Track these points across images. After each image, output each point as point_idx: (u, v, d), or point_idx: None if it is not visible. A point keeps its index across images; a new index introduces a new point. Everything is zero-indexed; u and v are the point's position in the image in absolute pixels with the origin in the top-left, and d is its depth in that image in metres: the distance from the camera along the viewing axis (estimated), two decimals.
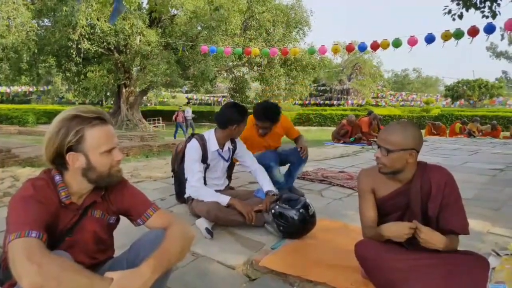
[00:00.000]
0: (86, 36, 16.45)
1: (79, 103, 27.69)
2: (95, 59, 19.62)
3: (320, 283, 1.79)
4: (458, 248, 1.61)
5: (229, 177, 3.04)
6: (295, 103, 36.39)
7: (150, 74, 18.11)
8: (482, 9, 6.43)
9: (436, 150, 8.03)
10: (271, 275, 1.89)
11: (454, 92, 37.74)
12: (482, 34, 8.00)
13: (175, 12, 19.51)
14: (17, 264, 0.97)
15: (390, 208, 1.73)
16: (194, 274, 1.88)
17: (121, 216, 1.43)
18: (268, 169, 3.05)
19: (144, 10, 19.19)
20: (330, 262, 1.99)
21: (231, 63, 22.80)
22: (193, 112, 19.05)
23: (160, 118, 24.53)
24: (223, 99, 37.86)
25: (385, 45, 9.91)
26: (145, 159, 7.08)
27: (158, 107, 36.79)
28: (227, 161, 2.85)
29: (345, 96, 42.69)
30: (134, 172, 4.62)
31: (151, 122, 23.11)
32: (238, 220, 2.45)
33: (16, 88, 29.91)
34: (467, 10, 6.48)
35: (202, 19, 17.91)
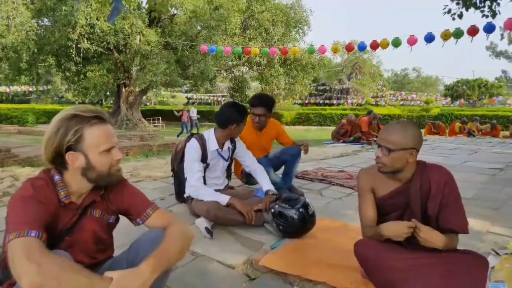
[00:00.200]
0: (86, 36, 16.44)
1: (79, 103, 27.68)
2: (95, 59, 19.60)
3: (319, 282, 1.79)
4: (458, 247, 1.61)
5: (228, 176, 3.05)
6: (294, 103, 36.38)
7: (150, 73, 18.09)
8: (482, 9, 6.42)
9: (435, 150, 8.03)
10: (270, 275, 1.89)
11: (453, 92, 37.73)
12: (481, 33, 8.01)
13: (175, 12, 19.50)
14: (16, 263, 0.97)
15: (389, 208, 1.73)
16: (194, 274, 1.88)
17: (120, 216, 1.43)
18: None
19: (144, 10, 19.17)
20: (329, 262, 1.99)
21: (230, 63, 22.79)
22: None
23: (160, 118, 24.53)
24: (223, 98, 37.86)
25: (384, 45, 9.90)
26: (145, 159, 7.08)
27: (158, 107, 36.79)
28: (226, 160, 2.85)
29: (344, 96, 42.67)
30: (134, 171, 4.63)
31: (151, 121, 23.10)
32: (237, 220, 2.45)
33: (16, 88, 29.87)
34: (467, 10, 6.48)
35: (201, 18, 17.90)
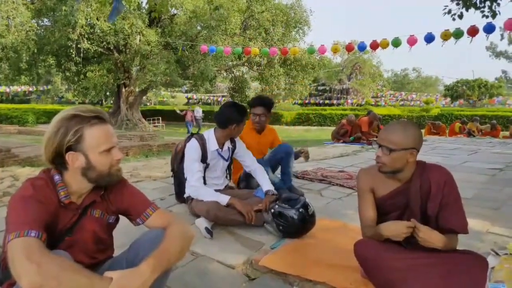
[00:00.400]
0: (86, 36, 16.44)
1: (79, 103, 27.70)
2: (95, 59, 19.60)
3: (319, 282, 1.79)
4: (457, 248, 1.61)
5: (228, 176, 3.05)
6: (294, 103, 36.39)
7: (150, 73, 18.09)
8: (482, 9, 6.42)
9: (435, 150, 8.03)
10: (270, 275, 1.89)
11: (453, 92, 37.72)
12: (481, 33, 8.01)
13: (175, 12, 19.50)
14: (16, 263, 0.97)
15: (389, 207, 1.73)
16: (194, 274, 1.88)
17: (120, 216, 1.43)
18: None
19: (144, 10, 19.17)
20: (329, 262, 1.99)
21: (230, 63, 22.78)
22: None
23: (160, 118, 24.54)
24: (223, 98, 37.86)
25: (384, 45, 9.90)
26: (145, 159, 7.08)
27: (158, 107, 36.79)
28: (226, 160, 2.85)
29: (344, 96, 42.69)
30: (134, 171, 4.63)
31: (151, 121, 23.11)
32: (237, 220, 2.45)
33: (16, 88, 29.90)
34: (467, 10, 6.48)
35: (201, 18, 17.90)
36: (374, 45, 10.19)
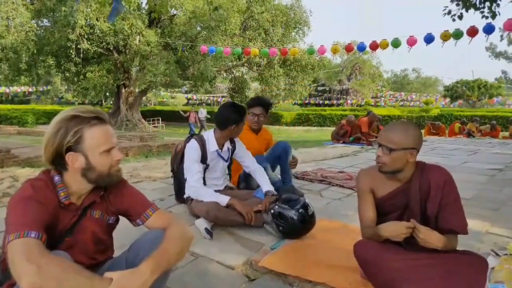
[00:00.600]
0: (85, 36, 16.46)
1: (79, 103, 27.71)
2: (95, 59, 19.62)
3: (319, 283, 1.79)
4: (457, 248, 1.61)
5: (228, 177, 3.04)
6: (294, 103, 36.43)
7: (150, 74, 18.10)
8: (482, 10, 6.43)
9: (435, 150, 8.03)
10: (270, 275, 1.89)
11: (453, 92, 37.74)
12: (481, 34, 8.01)
13: (175, 12, 19.52)
14: (16, 264, 0.97)
15: (389, 208, 1.73)
16: (194, 274, 1.88)
17: (120, 217, 1.43)
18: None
19: (144, 10, 19.19)
20: (329, 262, 1.99)
21: (230, 63, 22.81)
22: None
23: (160, 118, 24.55)
24: (223, 99, 37.87)
25: (384, 45, 9.91)
26: (145, 159, 7.08)
27: (158, 107, 36.81)
28: (226, 161, 2.85)
29: (344, 96, 42.73)
30: (134, 172, 4.62)
31: (151, 122, 23.13)
32: (237, 220, 2.45)
33: (16, 89, 29.87)
34: (466, 11, 6.48)
35: (201, 19, 17.93)
36: (374, 46, 10.20)
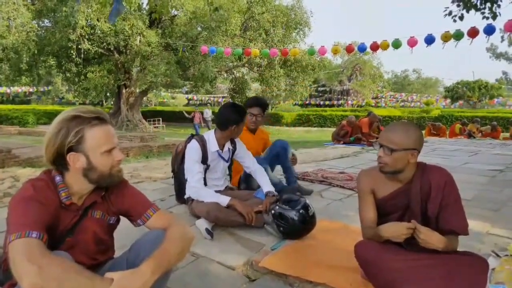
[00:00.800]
0: (86, 37, 16.47)
1: (79, 104, 27.69)
2: (95, 60, 19.62)
3: (319, 283, 1.79)
4: (458, 249, 1.61)
5: (228, 177, 3.04)
6: (295, 104, 36.44)
7: (150, 74, 18.11)
8: (483, 10, 6.43)
9: (436, 151, 8.03)
10: (271, 276, 1.89)
11: (454, 93, 37.73)
12: (482, 35, 8.01)
13: (175, 13, 19.53)
14: (17, 264, 0.97)
15: (390, 208, 1.73)
16: (194, 275, 1.88)
17: (121, 217, 1.43)
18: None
19: (144, 11, 19.22)
20: (329, 263, 1.99)
21: (231, 64, 22.80)
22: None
23: (160, 119, 24.57)
24: (223, 99, 37.88)
25: (384, 46, 9.91)
26: (145, 160, 7.08)
27: (158, 108, 36.83)
28: (227, 161, 2.85)
29: (345, 97, 42.71)
30: (134, 172, 4.63)
31: (151, 122, 23.13)
32: (238, 221, 2.45)
33: (16, 89, 29.90)
34: (467, 11, 6.49)
35: (202, 19, 17.93)
36: (374, 47, 10.19)
